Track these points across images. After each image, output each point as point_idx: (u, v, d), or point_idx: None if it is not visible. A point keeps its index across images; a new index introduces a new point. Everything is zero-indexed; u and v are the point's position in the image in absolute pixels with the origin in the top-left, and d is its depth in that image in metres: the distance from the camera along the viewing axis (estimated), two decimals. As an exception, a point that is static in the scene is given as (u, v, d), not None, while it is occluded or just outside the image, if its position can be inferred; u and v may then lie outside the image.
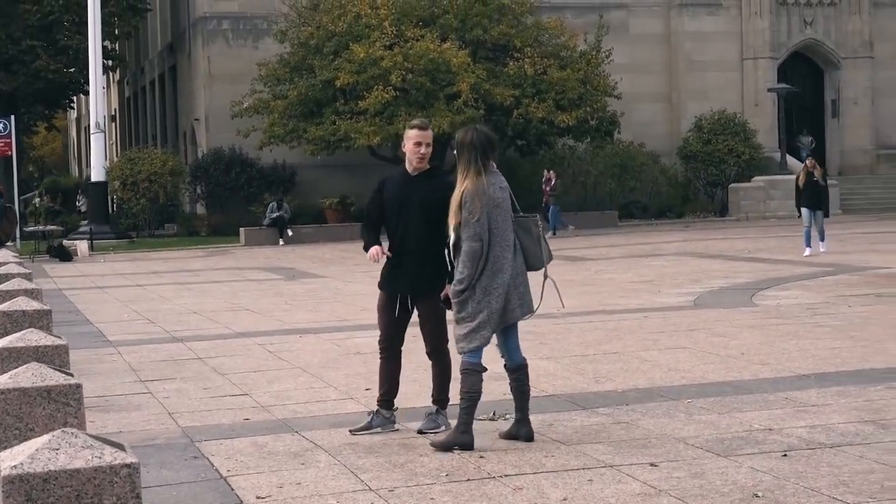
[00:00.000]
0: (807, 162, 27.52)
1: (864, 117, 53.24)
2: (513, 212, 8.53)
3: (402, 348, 9.17)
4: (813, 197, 26.40)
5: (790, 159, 47.45)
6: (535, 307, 8.66)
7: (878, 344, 12.70)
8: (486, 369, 8.45)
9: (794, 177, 46.45)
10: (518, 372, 8.59)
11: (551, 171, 41.09)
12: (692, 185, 49.43)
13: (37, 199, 64.10)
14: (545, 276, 8.64)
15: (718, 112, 49.17)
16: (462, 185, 8.34)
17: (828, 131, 53.92)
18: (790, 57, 52.76)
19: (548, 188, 40.68)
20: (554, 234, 38.81)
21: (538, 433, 8.69)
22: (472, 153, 8.34)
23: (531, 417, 8.97)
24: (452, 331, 8.48)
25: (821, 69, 53.87)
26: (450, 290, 8.45)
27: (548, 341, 13.73)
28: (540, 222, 8.74)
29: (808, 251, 25.72)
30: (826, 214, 26.89)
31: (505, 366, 8.64)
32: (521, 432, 8.53)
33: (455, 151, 8.48)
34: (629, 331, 14.46)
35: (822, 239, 26.44)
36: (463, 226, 8.28)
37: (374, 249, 8.90)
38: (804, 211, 26.51)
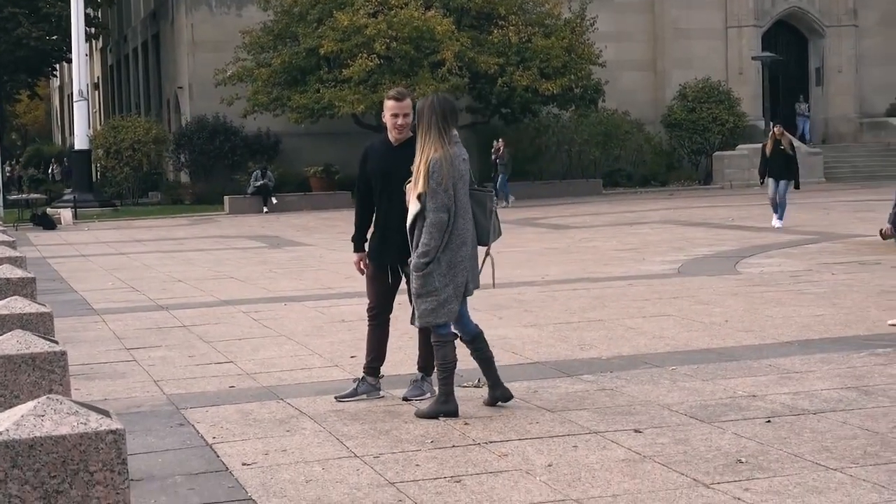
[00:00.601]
0: (774, 130, 25.68)
1: (848, 86, 53.32)
2: (469, 184, 8.46)
3: (390, 316, 9.18)
4: (781, 167, 24.95)
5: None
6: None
7: (860, 311, 12.74)
8: (456, 336, 8.44)
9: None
10: (475, 342, 8.52)
11: (500, 141, 40.15)
12: (676, 153, 49.47)
13: (7, 168, 63.92)
14: (487, 253, 8.57)
15: (703, 80, 49.20)
16: (426, 154, 8.19)
17: (812, 100, 53.98)
18: (774, 25, 52.75)
19: (496, 158, 39.68)
20: (507, 203, 38.48)
21: (523, 400, 8.71)
22: (433, 119, 8.20)
23: (516, 384, 8.99)
24: (415, 305, 8.39)
25: (805, 37, 53.88)
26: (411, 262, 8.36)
27: (532, 309, 13.76)
28: (495, 198, 8.68)
29: (778, 223, 24.88)
30: (797, 186, 25.48)
31: (460, 338, 8.52)
32: (497, 394, 8.53)
33: (416, 120, 8.42)
34: (613, 298, 14.49)
35: (782, 215, 25.05)
36: (429, 196, 8.14)
37: (356, 260, 9.18)
38: (770, 181, 25.18)
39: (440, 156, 8.14)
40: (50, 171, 65.77)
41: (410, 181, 8.31)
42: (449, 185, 8.13)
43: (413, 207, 8.25)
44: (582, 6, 44.89)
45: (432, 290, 8.18)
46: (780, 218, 24.89)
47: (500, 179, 39.22)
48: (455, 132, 8.35)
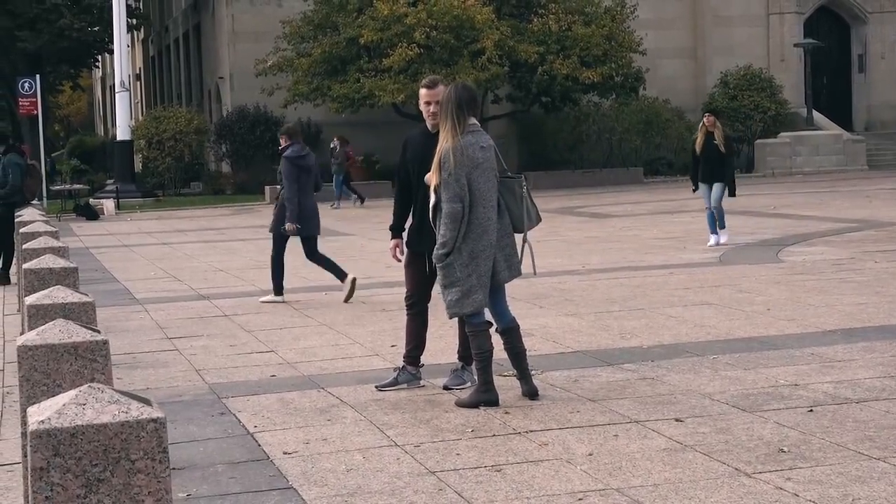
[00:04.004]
0: (704, 120, 19.81)
1: (891, 72, 52.84)
2: (499, 172, 8.43)
3: (429, 305, 9.18)
4: (713, 167, 19.53)
5: (816, 115, 47.19)
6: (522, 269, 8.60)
7: (904, 299, 12.65)
8: (491, 324, 8.43)
9: (820, 133, 46.55)
10: (508, 333, 8.49)
11: (336, 139, 38.52)
12: (718, 141, 49.10)
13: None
14: (524, 240, 8.54)
15: (744, 67, 48.83)
16: (440, 145, 8.23)
17: (854, 86, 53.54)
18: (816, 11, 52.35)
19: (332, 157, 37.95)
20: (336, 205, 36.56)
21: (563, 389, 8.70)
22: (449, 109, 8.22)
23: (556, 374, 8.99)
24: (442, 296, 8.41)
25: (847, 24, 53.45)
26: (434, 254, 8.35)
27: (573, 298, 13.73)
28: (525, 183, 8.62)
29: (712, 240, 19.35)
30: (731, 193, 19.69)
31: (495, 329, 8.52)
32: (524, 390, 8.50)
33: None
34: (654, 287, 14.44)
35: (722, 225, 19.54)
36: (442, 187, 8.15)
37: (392, 246, 9.34)
38: (701, 187, 19.70)
39: (450, 146, 8.14)
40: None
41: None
42: (460, 174, 8.10)
43: (431, 199, 8.28)
44: (622, -6, 44.73)
45: (455, 280, 8.18)
46: (722, 228, 19.58)
47: (334, 180, 37.44)
48: (474, 120, 8.32)
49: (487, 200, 8.23)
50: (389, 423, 7.93)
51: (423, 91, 8.86)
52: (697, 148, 19.77)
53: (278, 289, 14.66)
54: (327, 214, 33.61)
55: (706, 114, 20.14)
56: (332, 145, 38.52)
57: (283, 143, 15.01)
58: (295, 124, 14.61)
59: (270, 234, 15.21)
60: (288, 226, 14.57)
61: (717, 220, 19.45)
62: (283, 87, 42.58)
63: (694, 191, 20.23)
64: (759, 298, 13.10)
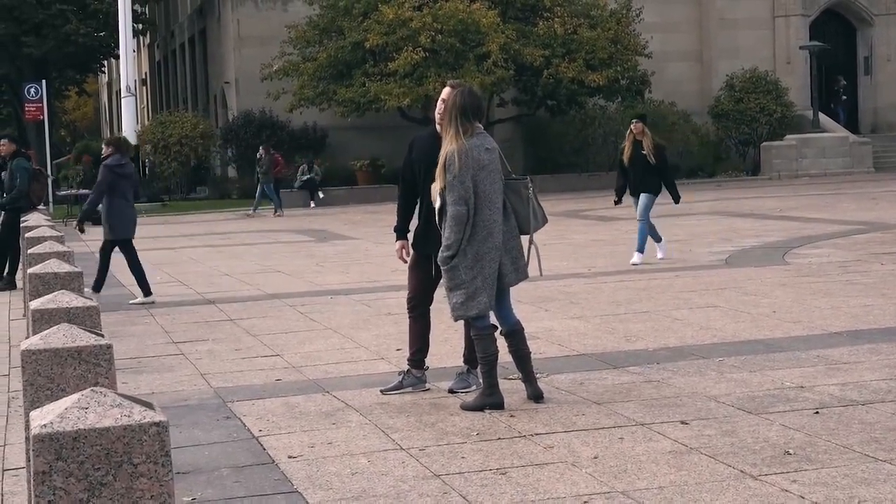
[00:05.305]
0: (632, 127, 17.60)
1: (897, 74, 52.81)
2: (504, 174, 8.43)
3: (434, 308, 9.16)
4: (640, 178, 17.51)
5: (822, 117, 47.14)
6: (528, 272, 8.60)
7: (910, 301, 12.63)
8: (496, 328, 8.43)
9: (826, 135, 46.51)
10: (512, 336, 8.47)
11: (262, 148, 38.74)
12: (724, 144, 49.08)
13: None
14: (530, 241, 8.53)
15: (750, 70, 48.75)
16: (444, 149, 8.24)
17: (860, 89, 53.47)
18: (822, 14, 52.28)
19: (258, 166, 38.34)
20: (253, 211, 37.22)
21: (569, 392, 8.69)
22: (453, 114, 8.23)
23: (562, 377, 8.96)
24: (447, 299, 8.39)
25: (853, 26, 53.39)
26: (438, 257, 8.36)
27: (578, 301, 13.72)
28: (531, 184, 8.61)
29: (636, 257, 17.50)
30: (676, 200, 17.86)
31: (500, 331, 8.51)
32: (528, 392, 8.50)
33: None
34: (660, 290, 14.42)
35: (658, 238, 17.82)
36: (448, 190, 8.15)
37: (398, 248, 9.27)
38: (632, 200, 17.90)
39: (454, 149, 8.14)
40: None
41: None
42: (465, 176, 8.10)
43: (436, 203, 8.27)
44: (627, -3, 44.73)
45: (460, 282, 8.17)
46: (658, 242, 17.86)
47: (259, 189, 37.95)
48: (479, 124, 8.33)
49: (493, 202, 8.22)
50: (394, 427, 7.93)
51: (446, 89, 8.80)
52: (625, 158, 17.60)
53: (146, 290, 15.75)
54: (336, 220, 33.66)
55: (634, 120, 17.78)
56: (258, 154, 38.74)
57: (105, 152, 16.08)
58: (119, 137, 15.87)
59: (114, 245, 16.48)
60: (77, 224, 16.22)
61: (652, 234, 17.71)
62: (289, 92, 42.58)
63: (616, 203, 18.48)
64: (765, 301, 13.08)
